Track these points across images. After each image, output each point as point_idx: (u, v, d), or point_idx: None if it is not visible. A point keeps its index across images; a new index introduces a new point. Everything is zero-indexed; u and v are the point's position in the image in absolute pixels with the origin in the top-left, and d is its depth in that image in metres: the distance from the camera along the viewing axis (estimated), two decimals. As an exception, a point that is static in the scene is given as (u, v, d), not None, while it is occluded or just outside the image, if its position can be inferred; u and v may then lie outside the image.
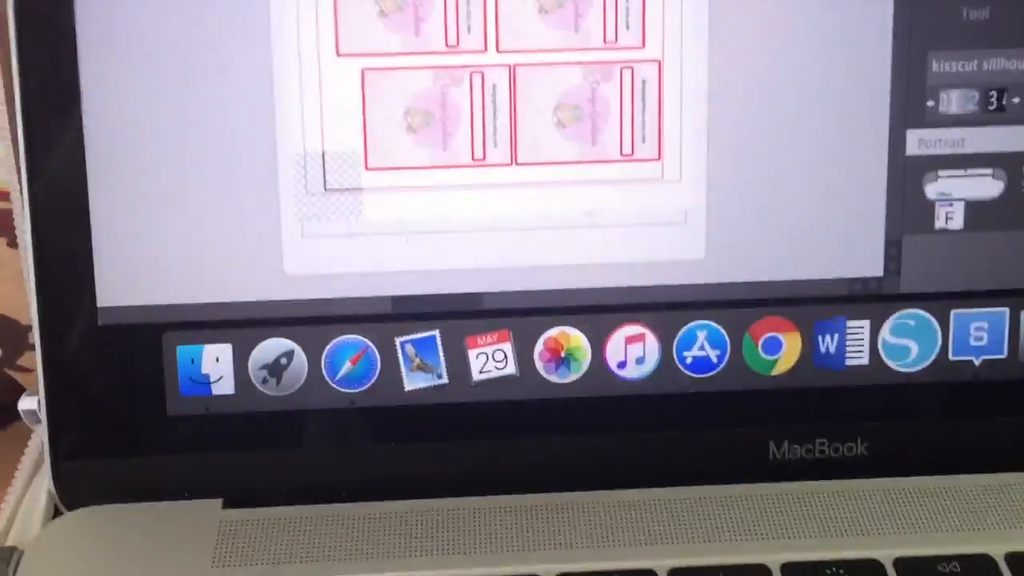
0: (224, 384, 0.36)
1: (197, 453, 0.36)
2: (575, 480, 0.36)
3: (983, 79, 0.35)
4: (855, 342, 0.37)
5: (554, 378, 0.37)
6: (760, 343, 0.37)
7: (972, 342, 0.37)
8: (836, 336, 0.37)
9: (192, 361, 0.36)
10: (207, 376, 0.36)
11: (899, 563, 0.33)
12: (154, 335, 0.36)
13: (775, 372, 0.37)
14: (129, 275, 0.35)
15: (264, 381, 0.36)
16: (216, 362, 0.36)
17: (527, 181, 0.36)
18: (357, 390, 0.36)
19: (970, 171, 0.36)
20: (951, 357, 0.37)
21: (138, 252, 0.35)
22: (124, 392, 0.36)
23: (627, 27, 0.35)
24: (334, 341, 0.36)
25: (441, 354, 0.36)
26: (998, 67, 0.35)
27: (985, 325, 0.37)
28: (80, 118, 0.34)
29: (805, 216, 0.36)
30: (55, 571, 0.34)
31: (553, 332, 0.37)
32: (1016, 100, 0.36)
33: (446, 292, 0.36)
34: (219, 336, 0.36)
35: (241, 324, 0.36)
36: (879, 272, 0.36)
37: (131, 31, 0.34)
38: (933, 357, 0.37)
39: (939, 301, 0.37)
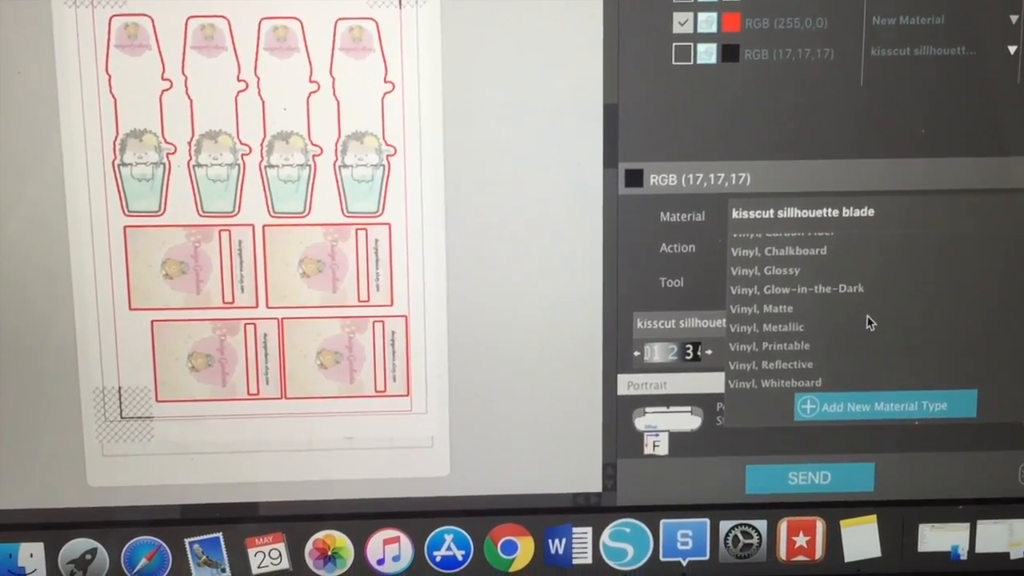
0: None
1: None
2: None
3: (680, 335, 0.42)
4: (580, 545, 0.44)
5: (323, 573, 0.43)
6: (499, 545, 0.43)
7: (679, 546, 0.44)
8: (564, 540, 0.43)
9: (10, 556, 0.42)
10: (23, 568, 0.42)
11: None
12: (-26, 536, 0.42)
13: (513, 569, 0.44)
14: (-48, 488, 0.41)
15: (72, 574, 0.42)
16: (31, 557, 0.42)
17: (295, 412, 0.42)
18: (152, 582, 0.43)
19: (672, 408, 0.43)
20: (662, 558, 0.44)
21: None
22: (-51, 584, 0.42)
23: (377, 289, 0.41)
24: (131, 541, 0.42)
25: (224, 552, 0.43)
26: (693, 325, 0.42)
27: (690, 532, 0.44)
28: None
29: (535, 442, 0.42)
30: None
31: (320, 535, 0.43)
32: (709, 352, 0.42)
33: (227, 501, 0.42)
34: (33, 536, 0.42)
35: (51, 527, 0.42)
36: (598, 488, 0.43)
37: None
38: (646, 558, 0.44)
39: (650, 513, 0.43)
